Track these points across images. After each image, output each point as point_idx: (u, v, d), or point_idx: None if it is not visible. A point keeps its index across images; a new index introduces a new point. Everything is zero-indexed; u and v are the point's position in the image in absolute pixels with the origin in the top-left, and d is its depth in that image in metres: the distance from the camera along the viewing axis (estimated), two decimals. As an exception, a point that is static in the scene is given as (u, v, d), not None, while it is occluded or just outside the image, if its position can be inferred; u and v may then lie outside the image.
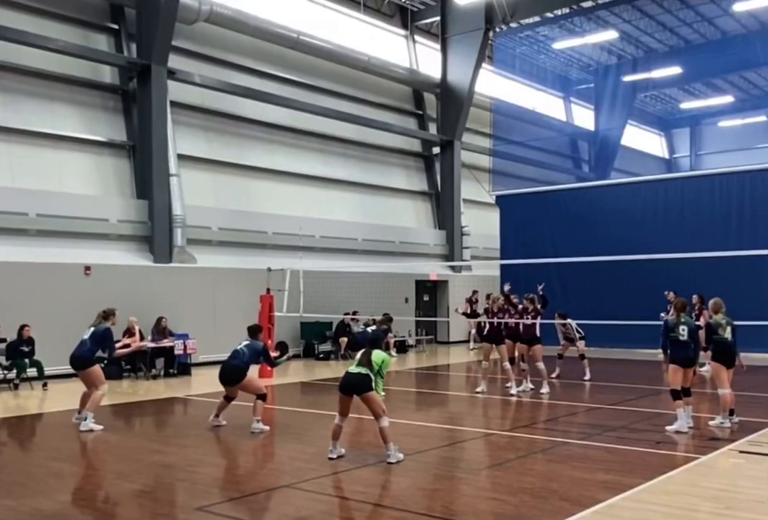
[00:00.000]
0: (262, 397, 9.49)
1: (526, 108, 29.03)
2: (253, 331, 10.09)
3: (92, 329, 9.95)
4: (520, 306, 13.05)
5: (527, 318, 12.71)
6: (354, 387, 7.61)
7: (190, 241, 17.43)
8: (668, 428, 9.05)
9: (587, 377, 14.26)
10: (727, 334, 9.42)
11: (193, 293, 16.84)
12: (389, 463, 7.39)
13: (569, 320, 14.84)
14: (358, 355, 7.92)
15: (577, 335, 14.90)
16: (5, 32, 14.95)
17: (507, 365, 12.45)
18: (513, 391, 12.26)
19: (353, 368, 7.71)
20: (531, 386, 12.82)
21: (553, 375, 14.14)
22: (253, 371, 14.77)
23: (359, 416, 10.22)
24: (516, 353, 12.86)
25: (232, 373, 9.53)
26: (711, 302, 9.58)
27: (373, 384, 7.57)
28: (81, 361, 9.81)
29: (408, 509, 5.93)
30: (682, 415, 9.07)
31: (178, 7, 16.86)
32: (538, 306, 12.79)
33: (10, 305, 13.81)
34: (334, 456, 7.65)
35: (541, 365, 12.53)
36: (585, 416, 10.62)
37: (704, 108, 35.85)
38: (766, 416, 9.90)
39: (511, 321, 12.62)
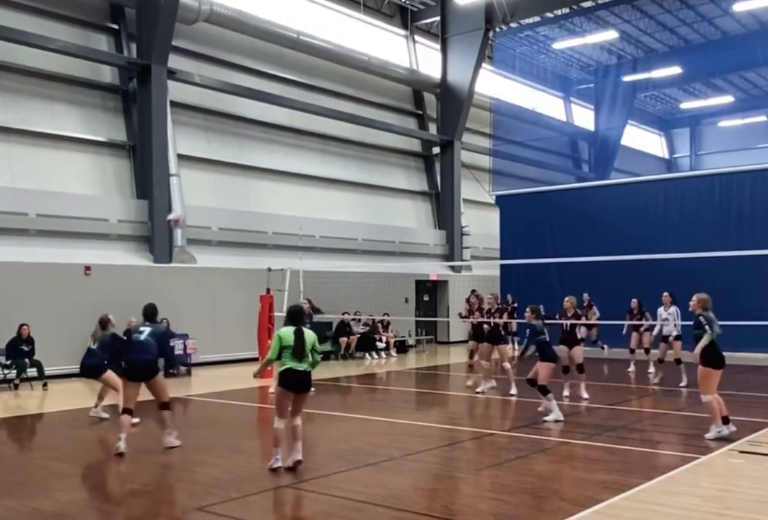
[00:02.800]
0: (166, 406, 8.30)
1: (526, 108, 29.02)
2: (151, 312, 8.75)
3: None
4: (486, 306, 13.16)
5: (493, 318, 12.90)
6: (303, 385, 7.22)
7: (190, 241, 17.43)
8: (547, 418, 9.63)
9: (684, 383, 13.13)
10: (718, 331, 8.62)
11: (193, 293, 16.84)
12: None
13: (674, 308, 13.62)
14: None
15: (676, 331, 13.57)
16: (5, 32, 14.96)
17: (507, 364, 12.51)
18: (512, 391, 12.27)
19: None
20: (493, 384, 12.83)
21: (656, 380, 13.70)
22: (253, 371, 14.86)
23: (359, 416, 10.22)
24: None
25: (147, 368, 8.17)
26: (702, 298, 8.76)
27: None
28: (94, 369, 9.92)
29: (408, 509, 5.93)
30: (554, 405, 9.75)
31: (178, 7, 16.87)
32: (508, 306, 12.88)
33: (11, 305, 13.81)
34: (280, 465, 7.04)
35: (507, 365, 12.60)
36: (585, 416, 10.62)
37: (704, 108, 35.84)
38: (766, 416, 9.89)
39: (510, 321, 12.66)
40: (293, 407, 7.17)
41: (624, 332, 15.84)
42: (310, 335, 7.31)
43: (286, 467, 7.04)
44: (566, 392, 11.78)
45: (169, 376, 14.98)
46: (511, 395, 12.08)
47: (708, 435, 8.50)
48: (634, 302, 14.98)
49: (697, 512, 5.72)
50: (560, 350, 11.81)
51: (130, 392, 8.16)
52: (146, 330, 8.34)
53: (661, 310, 13.91)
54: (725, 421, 8.58)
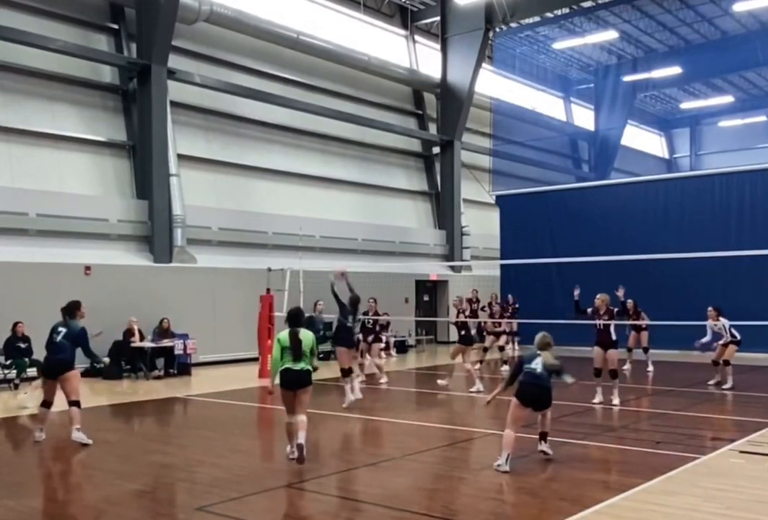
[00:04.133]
0: (76, 403, 8.43)
1: (526, 108, 29.03)
2: (71, 310, 8.84)
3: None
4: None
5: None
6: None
7: (190, 241, 17.43)
8: (345, 405, 10.54)
9: (729, 384, 12.91)
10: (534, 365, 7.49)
11: (193, 293, 16.84)
12: None
13: (722, 320, 13.21)
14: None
15: (728, 338, 13.19)
16: (5, 32, 14.95)
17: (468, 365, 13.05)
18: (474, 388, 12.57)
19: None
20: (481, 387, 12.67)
21: (711, 382, 13.34)
22: (254, 371, 14.82)
23: (359, 416, 10.22)
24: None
25: (58, 365, 8.42)
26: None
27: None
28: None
29: (408, 509, 5.93)
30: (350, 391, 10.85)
31: (178, 7, 16.86)
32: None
33: (10, 305, 13.80)
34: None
35: (467, 365, 12.94)
36: (585, 416, 10.62)
37: (704, 108, 35.86)
38: (766, 416, 9.89)
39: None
40: (296, 403, 7.38)
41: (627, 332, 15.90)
42: (307, 337, 7.52)
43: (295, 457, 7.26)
44: (598, 399, 11.17)
45: (169, 376, 15.03)
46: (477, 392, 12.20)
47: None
48: (629, 302, 14.95)
49: (697, 512, 5.72)
50: (594, 352, 11.42)
51: (47, 387, 8.77)
52: (62, 331, 8.66)
53: (709, 323, 13.40)
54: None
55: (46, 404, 8.59)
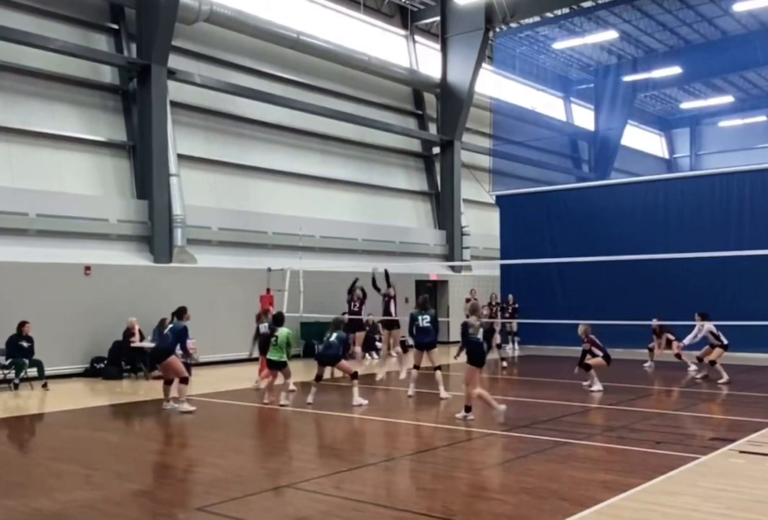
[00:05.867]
0: (185, 380, 10.87)
1: (526, 108, 29.03)
2: (179, 313, 11.15)
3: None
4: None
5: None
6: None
7: (190, 241, 17.43)
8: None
9: (724, 379, 13.24)
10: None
11: (193, 293, 16.82)
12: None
13: (705, 323, 13.55)
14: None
15: (714, 341, 13.56)
16: (5, 32, 14.95)
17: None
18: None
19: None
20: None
21: (698, 376, 13.90)
22: (254, 371, 14.85)
23: (359, 416, 10.22)
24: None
25: (161, 352, 11.07)
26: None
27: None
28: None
29: (408, 509, 5.92)
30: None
31: (178, 7, 16.86)
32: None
33: (11, 305, 13.80)
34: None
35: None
36: (585, 416, 10.62)
37: (704, 108, 35.86)
38: (766, 416, 9.89)
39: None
40: (275, 375, 11.57)
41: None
42: (282, 333, 11.43)
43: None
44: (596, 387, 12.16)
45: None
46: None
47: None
48: (654, 321, 15.45)
49: (697, 512, 5.72)
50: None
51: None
52: (170, 327, 11.20)
53: (698, 325, 13.79)
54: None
55: (168, 381, 11.03)
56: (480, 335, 9.78)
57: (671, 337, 15.65)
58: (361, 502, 6.15)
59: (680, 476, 6.81)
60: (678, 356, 15.15)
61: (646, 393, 12.92)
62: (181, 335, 11.00)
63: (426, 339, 11.89)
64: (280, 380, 11.60)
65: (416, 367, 11.97)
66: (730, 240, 17.84)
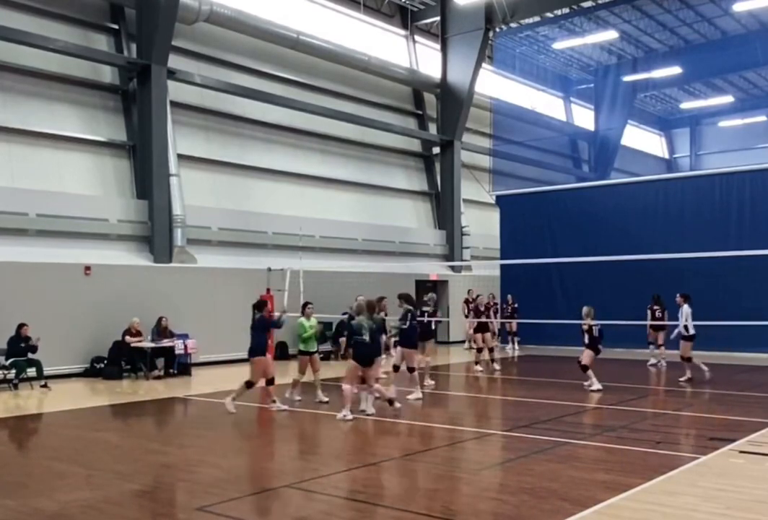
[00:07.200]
0: (269, 381, 10.81)
1: (526, 108, 29.03)
2: (260, 306, 11.36)
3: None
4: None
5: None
6: None
7: (190, 241, 17.42)
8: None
9: (686, 377, 13.49)
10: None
11: (193, 293, 16.83)
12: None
13: (685, 307, 13.63)
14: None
15: (681, 329, 13.58)
16: (5, 32, 14.94)
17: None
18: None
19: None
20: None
21: (682, 379, 13.62)
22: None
23: (359, 416, 10.22)
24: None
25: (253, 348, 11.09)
26: None
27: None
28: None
29: (408, 509, 5.93)
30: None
31: (178, 7, 16.86)
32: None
33: (10, 305, 13.80)
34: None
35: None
36: (585, 416, 10.63)
37: (704, 108, 35.87)
38: (766, 416, 9.89)
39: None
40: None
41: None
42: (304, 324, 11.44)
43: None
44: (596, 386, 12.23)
45: (169, 376, 15.02)
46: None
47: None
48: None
49: (697, 512, 5.72)
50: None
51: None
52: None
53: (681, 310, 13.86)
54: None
55: (249, 384, 10.76)
56: (367, 336, 10.21)
57: (659, 313, 15.80)
58: (361, 502, 6.15)
59: (680, 476, 6.81)
60: (689, 359, 15.00)
61: (646, 393, 12.92)
62: (270, 326, 11.36)
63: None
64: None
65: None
66: (730, 240, 17.85)
